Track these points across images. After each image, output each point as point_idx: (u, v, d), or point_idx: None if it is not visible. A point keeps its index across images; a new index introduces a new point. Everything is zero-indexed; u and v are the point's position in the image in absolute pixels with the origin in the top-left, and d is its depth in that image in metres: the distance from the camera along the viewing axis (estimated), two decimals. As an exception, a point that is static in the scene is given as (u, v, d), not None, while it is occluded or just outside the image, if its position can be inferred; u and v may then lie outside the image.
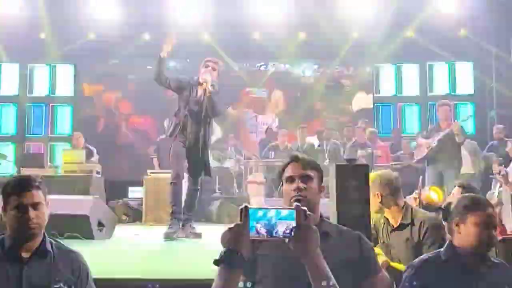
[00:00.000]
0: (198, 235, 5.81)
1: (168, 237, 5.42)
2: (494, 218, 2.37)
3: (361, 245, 2.17)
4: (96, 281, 2.40)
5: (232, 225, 1.69)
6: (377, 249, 3.13)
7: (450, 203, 2.51)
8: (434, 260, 2.42)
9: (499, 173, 5.54)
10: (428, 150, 7.25)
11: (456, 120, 7.33)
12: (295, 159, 2.29)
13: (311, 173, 2.24)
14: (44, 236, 2.29)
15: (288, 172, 2.25)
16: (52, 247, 2.28)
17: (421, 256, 2.54)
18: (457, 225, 2.38)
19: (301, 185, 2.19)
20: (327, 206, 3.00)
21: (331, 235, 2.15)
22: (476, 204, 2.38)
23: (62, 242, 2.38)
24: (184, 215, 5.73)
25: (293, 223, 1.63)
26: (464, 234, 2.35)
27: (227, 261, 1.64)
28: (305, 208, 1.66)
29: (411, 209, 3.45)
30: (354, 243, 2.16)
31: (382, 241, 3.47)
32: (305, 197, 2.16)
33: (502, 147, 8.68)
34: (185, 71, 9.82)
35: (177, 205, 5.66)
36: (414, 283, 2.35)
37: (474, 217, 2.32)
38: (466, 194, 2.47)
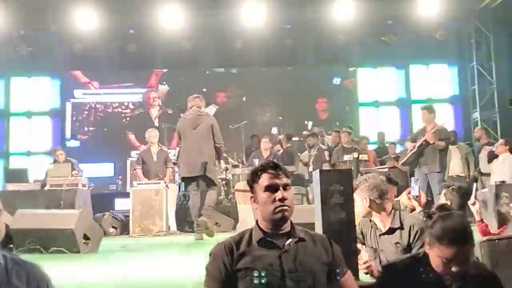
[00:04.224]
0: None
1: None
2: (463, 254, 2.12)
3: (332, 247, 2.21)
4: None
5: None
6: (364, 253, 3.13)
7: (430, 210, 2.44)
8: (409, 263, 2.33)
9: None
10: (409, 154, 7.46)
11: (428, 131, 7.34)
12: (275, 167, 2.21)
13: (289, 181, 2.21)
14: None
15: (268, 180, 2.17)
16: (6, 260, 2.05)
17: (397, 258, 2.48)
18: (428, 244, 2.23)
19: (285, 194, 2.14)
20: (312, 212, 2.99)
21: (306, 240, 2.17)
22: (444, 236, 2.14)
23: (17, 255, 2.11)
24: None
25: None
26: (431, 257, 2.21)
27: None
28: None
29: (399, 212, 3.45)
30: (326, 246, 2.19)
31: (370, 246, 3.46)
32: (289, 207, 2.14)
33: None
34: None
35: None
36: (387, 281, 2.32)
37: (438, 249, 2.15)
38: (445, 217, 2.24)
